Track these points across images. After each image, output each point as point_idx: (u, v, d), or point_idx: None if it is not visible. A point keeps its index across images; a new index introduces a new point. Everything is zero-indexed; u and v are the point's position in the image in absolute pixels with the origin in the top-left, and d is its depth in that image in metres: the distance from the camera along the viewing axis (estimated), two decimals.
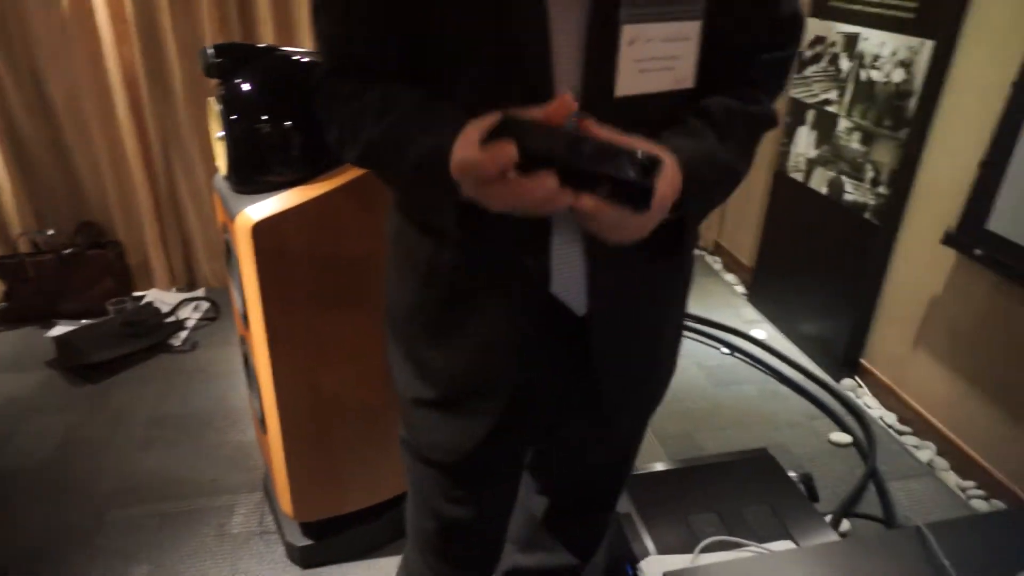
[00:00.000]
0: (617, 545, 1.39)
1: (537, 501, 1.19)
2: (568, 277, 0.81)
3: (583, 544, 1.20)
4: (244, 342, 1.59)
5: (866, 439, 2.13)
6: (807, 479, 1.61)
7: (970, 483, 2.00)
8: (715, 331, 2.73)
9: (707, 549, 1.30)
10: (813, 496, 1.61)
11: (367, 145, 0.76)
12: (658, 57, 0.73)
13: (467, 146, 0.63)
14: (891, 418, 2.27)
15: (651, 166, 0.61)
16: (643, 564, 1.25)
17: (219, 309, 2.76)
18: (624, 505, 1.42)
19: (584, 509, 1.17)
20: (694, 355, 2.60)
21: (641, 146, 0.63)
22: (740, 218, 3.20)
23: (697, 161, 0.73)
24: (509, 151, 0.59)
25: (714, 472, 1.54)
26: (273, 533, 1.73)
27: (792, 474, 1.56)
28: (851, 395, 2.36)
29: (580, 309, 0.83)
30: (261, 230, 1.28)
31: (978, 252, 1.92)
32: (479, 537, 1.05)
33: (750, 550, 1.31)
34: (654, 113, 0.76)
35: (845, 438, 2.14)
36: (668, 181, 0.67)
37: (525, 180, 0.60)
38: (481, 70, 0.73)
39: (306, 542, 1.62)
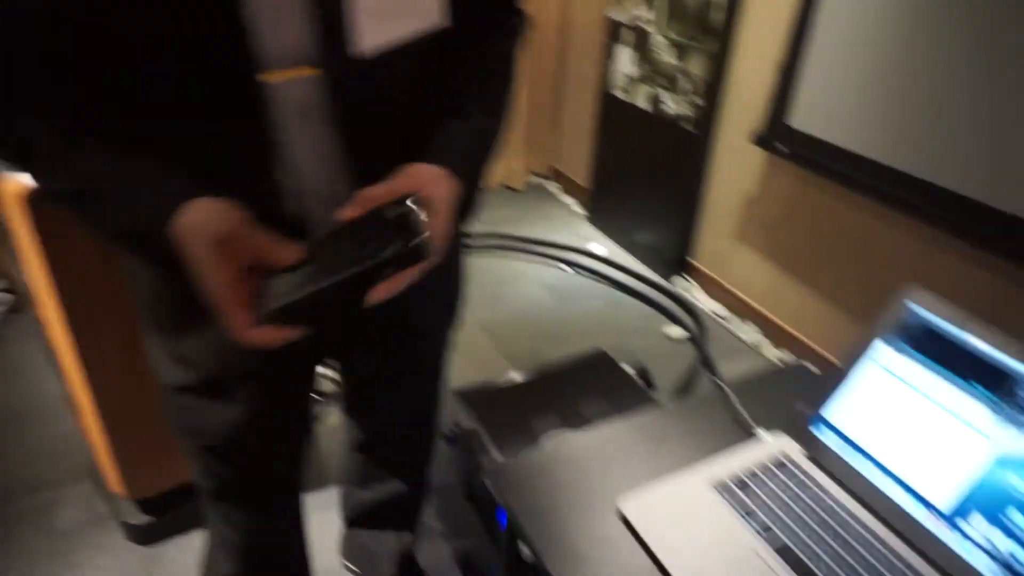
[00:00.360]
0: (468, 460, 1.41)
1: (362, 439, 1.20)
2: None
3: (412, 470, 1.23)
4: (39, 322, 1.43)
5: (697, 329, 2.29)
6: (642, 371, 1.70)
7: (787, 354, 2.21)
8: (557, 252, 2.80)
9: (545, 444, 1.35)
10: (649, 385, 1.70)
11: (47, 190, 0.66)
12: None
13: (240, 314, 0.57)
14: (719, 308, 2.45)
15: (406, 215, 0.57)
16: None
17: (24, 299, 2.48)
18: (470, 422, 1.44)
19: (406, 438, 1.19)
20: (538, 277, 2.66)
21: (392, 194, 0.59)
22: (574, 141, 3.27)
23: (469, 151, 0.70)
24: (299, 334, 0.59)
25: (555, 378, 1.59)
26: (109, 519, 1.61)
27: (627, 368, 1.64)
28: (683, 292, 2.52)
29: None
30: (38, 196, 1.13)
31: (782, 149, 2.06)
32: (273, 490, 1.02)
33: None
34: (404, 74, 0.68)
35: (680, 332, 2.29)
36: (443, 198, 0.64)
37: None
38: (168, 56, 0.57)
39: (145, 519, 1.51)
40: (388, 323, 0.87)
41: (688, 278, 2.61)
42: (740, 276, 2.40)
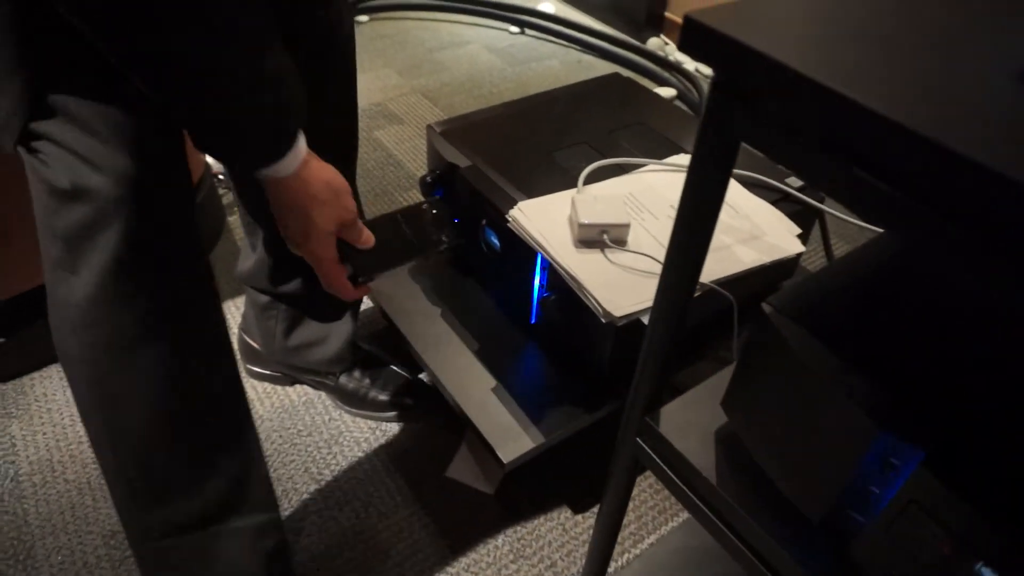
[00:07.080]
0: (475, 207, 0.98)
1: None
2: None
3: None
4: None
5: (692, 87, 1.89)
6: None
7: None
8: (498, 12, 2.27)
9: (590, 179, 0.95)
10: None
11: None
12: None
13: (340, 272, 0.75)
14: (703, 67, 2.06)
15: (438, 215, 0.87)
16: (515, 212, 0.86)
17: None
18: (460, 159, 1.00)
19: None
20: (481, 39, 2.16)
21: None
22: None
23: None
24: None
25: (562, 105, 1.16)
26: None
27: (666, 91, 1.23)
28: (661, 52, 2.09)
29: None
30: None
31: None
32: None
33: (649, 169, 0.98)
34: None
35: (670, 92, 1.89)
36: None
37: None
38: None
39: None
40: None
41: (666, 39, 2.18)
42: None
